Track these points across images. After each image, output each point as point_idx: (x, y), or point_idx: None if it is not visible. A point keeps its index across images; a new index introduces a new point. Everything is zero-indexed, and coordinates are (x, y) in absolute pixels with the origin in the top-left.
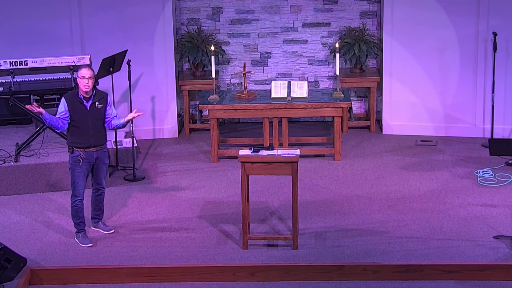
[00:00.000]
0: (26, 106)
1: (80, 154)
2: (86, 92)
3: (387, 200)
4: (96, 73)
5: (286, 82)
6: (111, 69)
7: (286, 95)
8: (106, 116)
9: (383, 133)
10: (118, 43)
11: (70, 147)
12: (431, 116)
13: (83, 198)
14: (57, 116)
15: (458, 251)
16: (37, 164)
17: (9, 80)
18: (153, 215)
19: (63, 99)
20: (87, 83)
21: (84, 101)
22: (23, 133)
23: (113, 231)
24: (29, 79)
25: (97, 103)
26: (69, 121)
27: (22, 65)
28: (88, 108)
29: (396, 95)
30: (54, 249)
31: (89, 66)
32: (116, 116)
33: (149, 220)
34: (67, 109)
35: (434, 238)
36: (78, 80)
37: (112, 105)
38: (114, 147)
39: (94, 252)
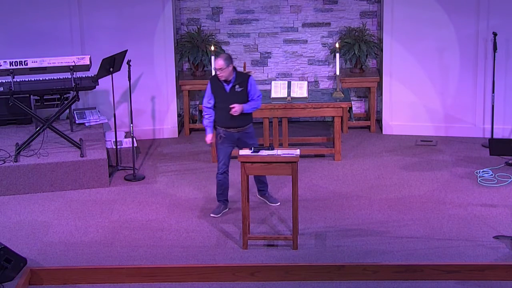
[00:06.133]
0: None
1: (220, 134)
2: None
3: (387, 200)
4: (97, 73)
5: (286, 82)
6: (111, 69)
7: (286, 95)
8: (249, 98)
9: (383, 133)
10: (118, 43)
11: (215, 125)
12: (431, 116)
13: (224, 173)
14: (205, 98)
15: (458, 251)
16: (37, 164)
17: (9, 80)
18: (153, 215)
19: (208, 82)
20: (219, 73)
21: (225, 84)
22: (23, 133)
23: (278, 203)
24: (29, 79)
25: (237, 86)
26: (214, 102)
27: (22, 65)
28: (227, 91)
29: (396, 95)
30: (54, 249)
31: (221, 56)
32: (256, 97)
33: (149, 220)
34: (210, 91)
35: (434, 238)
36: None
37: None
38: (114, 147)
39: (94, 252)
